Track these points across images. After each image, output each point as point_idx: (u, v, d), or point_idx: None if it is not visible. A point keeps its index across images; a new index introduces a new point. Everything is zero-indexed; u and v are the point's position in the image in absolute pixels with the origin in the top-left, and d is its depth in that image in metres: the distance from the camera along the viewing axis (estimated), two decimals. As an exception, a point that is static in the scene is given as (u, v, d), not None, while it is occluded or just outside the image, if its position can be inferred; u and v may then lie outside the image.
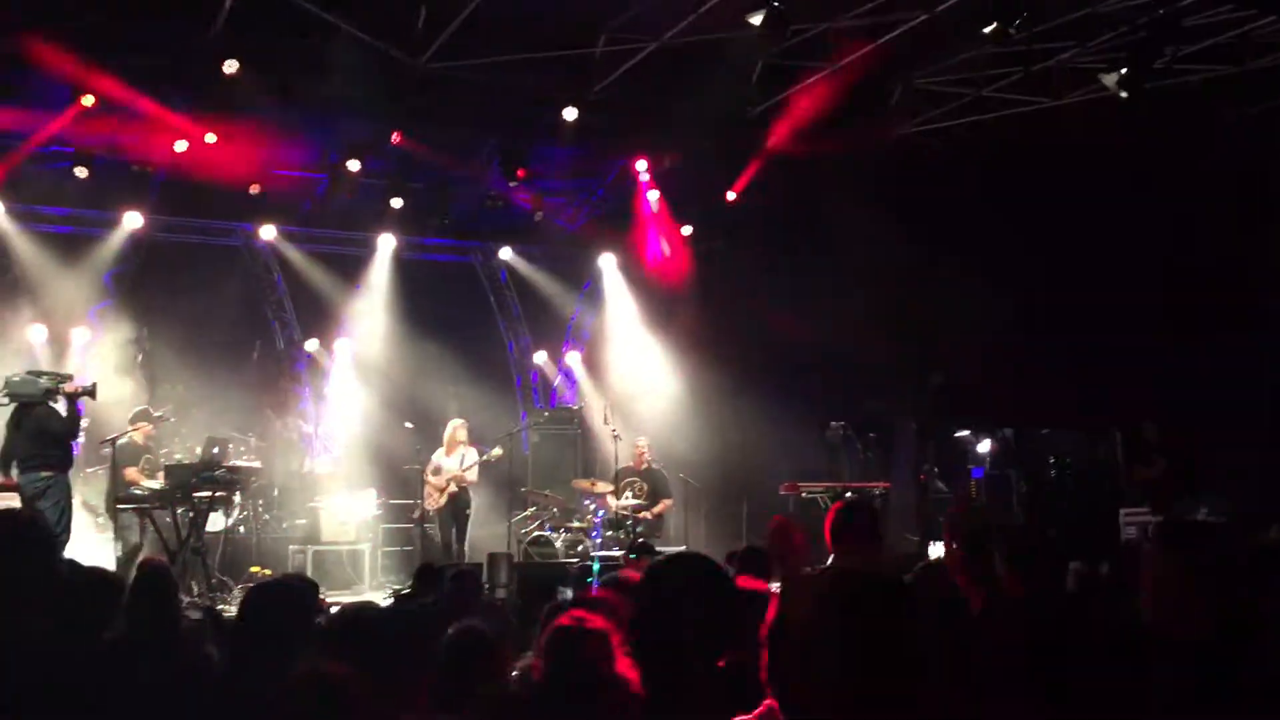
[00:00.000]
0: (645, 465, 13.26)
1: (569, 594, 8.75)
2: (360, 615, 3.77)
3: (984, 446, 14.00)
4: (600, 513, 13.09)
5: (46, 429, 9.93)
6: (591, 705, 2.99)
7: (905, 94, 13.01)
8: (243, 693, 3.73)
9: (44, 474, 9.80)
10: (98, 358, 13.58)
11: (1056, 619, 3.52)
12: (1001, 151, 12.97)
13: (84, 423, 12.30)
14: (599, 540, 12.63)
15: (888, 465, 13.84)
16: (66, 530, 9.87)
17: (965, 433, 14.04)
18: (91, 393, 10.46)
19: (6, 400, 10.02)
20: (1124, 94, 11.05)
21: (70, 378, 10.49)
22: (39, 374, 10.34)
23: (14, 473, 9.92)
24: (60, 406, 10.15)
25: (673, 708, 2.70)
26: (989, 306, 12.31)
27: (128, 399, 12.30)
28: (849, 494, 12.96)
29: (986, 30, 10.20)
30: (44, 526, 3.06)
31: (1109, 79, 11.11)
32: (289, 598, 4.39)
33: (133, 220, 13.93)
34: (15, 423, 9.98)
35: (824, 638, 2.10)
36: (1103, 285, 12.24)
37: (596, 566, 10.61)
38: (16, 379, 10.16)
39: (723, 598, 2.98)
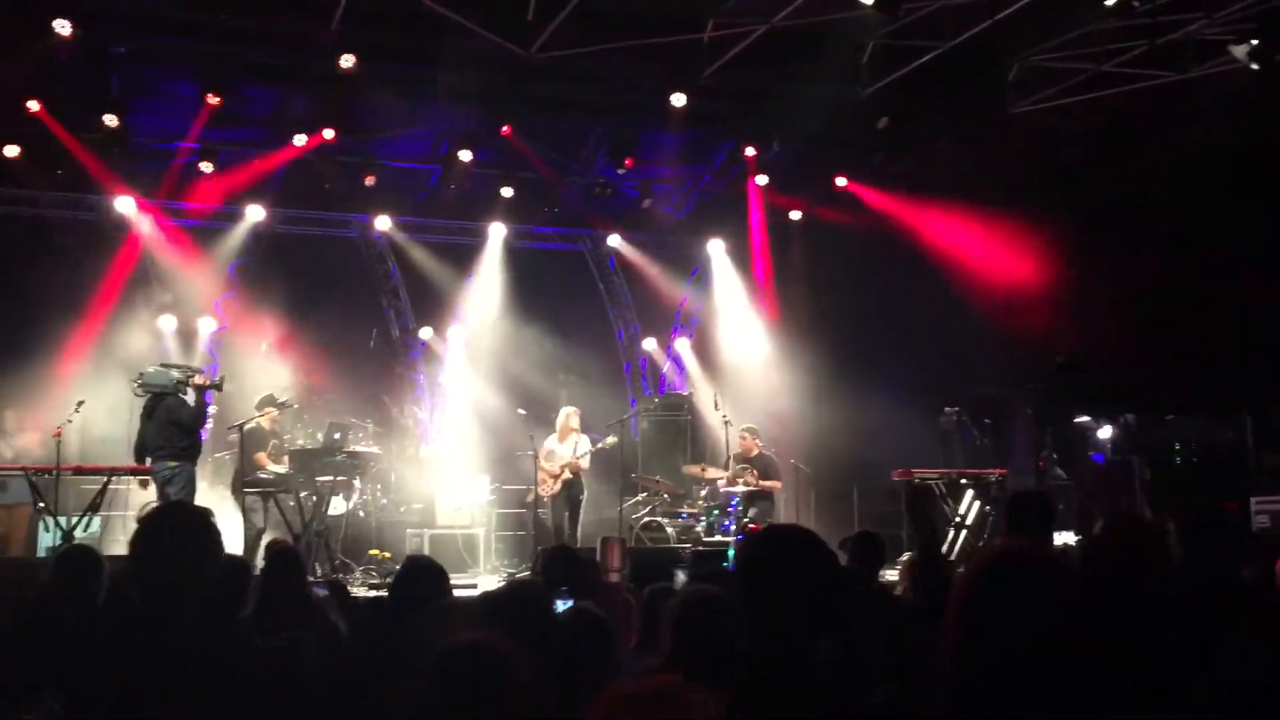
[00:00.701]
0: (755, 451, 13.21)
1: (682, 577, 8.78)
2: (525, 593, 3.81)
3: (1104, 432, 13.60)
4: (711, 498, 13.10)
5: (175, 419, 10.31)
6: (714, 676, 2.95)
7: (1022, 71, 12.68)
8: (373, 661, 3.85)
9: (171, 463, 10.16)
10: (224, 347, 14.06)
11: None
12: (1125, 127, 12.56)
13: (212, 410, 12.81)
14: (710, 525, 12.64)
15: (1003, 452, 13.53)
16: None
17: (1085, 418, 13.66)
18: (218, 386, 10.90)
19: (141, 392, 10.44)
20: (1255, 66, 10.61)
21: (200, 371, 10.90)
22: (171, 366, 10.76)
23: (147, 461, 10.34)
24: (189, 398, 10.54)
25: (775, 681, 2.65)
26: (1111, 287, 11.95)
27: (253, 387, 12.70)
28: (963, 480, 12.77)
29: (1109, 2, 9.89)
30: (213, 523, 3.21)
31: (1239, 51, 10.68)
32: (432, 574, 4.55)
33: (255, 213, 14.39)
34: (148, 413, 10.39)
35: (985, 610, 2.08)
36: (1231, 264, 11.79)
37: (731, 552, 10.67)
38: (150, 371, 10.59)
39: (817, 566, 2.87)
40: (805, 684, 2.68)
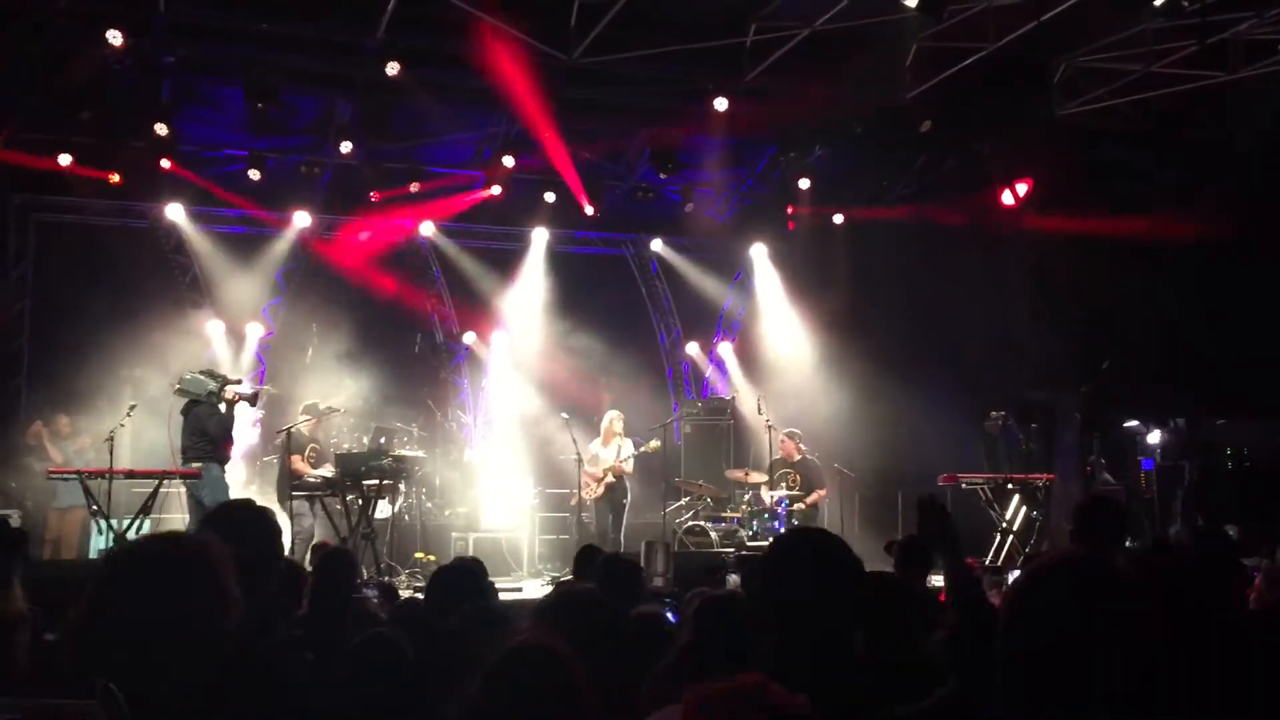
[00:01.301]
0: (799, 456, 13.17)
1: (734, 579, 8.76)
2: (579, 597, 3.81)
3: (1154, 437, 13.44)
4: (755, 503, 13.06)
5: (203, 426, 10.58)
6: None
7: (1068, 72, 12.55)
8: (422, 662, 3.88)
9: (195, 465, 10.46)
10: (272, 352, 14.23)
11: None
12: (1173, 129, 12.39)
13: (258, 415, 12.99)
14: (757, 530, 12.62)
15: (1050, 457, 13.39)
16: None
17: (1134, 423, 13.49)
18: (252, 400, 11.15)
19: (179, 395, 10.69)
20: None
21: (238, 382, 11.14)
22: (212, 375, 10.99)
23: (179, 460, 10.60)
24: (221, 406, 10.74)
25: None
26: (1160, 290, 11.80)
27: (301, 392, 12.85)
28: (1010, 485, 12.65)
29: (1158, 2, 9.77)
30: (274, 520, 3.23)
31: (1290, 50, 10.52)
32: (466, 578, 4.58)
33: (301, 220, 14.55)
34: (184, 414, 10.68)
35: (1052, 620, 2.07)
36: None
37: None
38: (189, 377, 10.84)
39: (840, 568, 2.87)
40: (841, 680, 2.67)
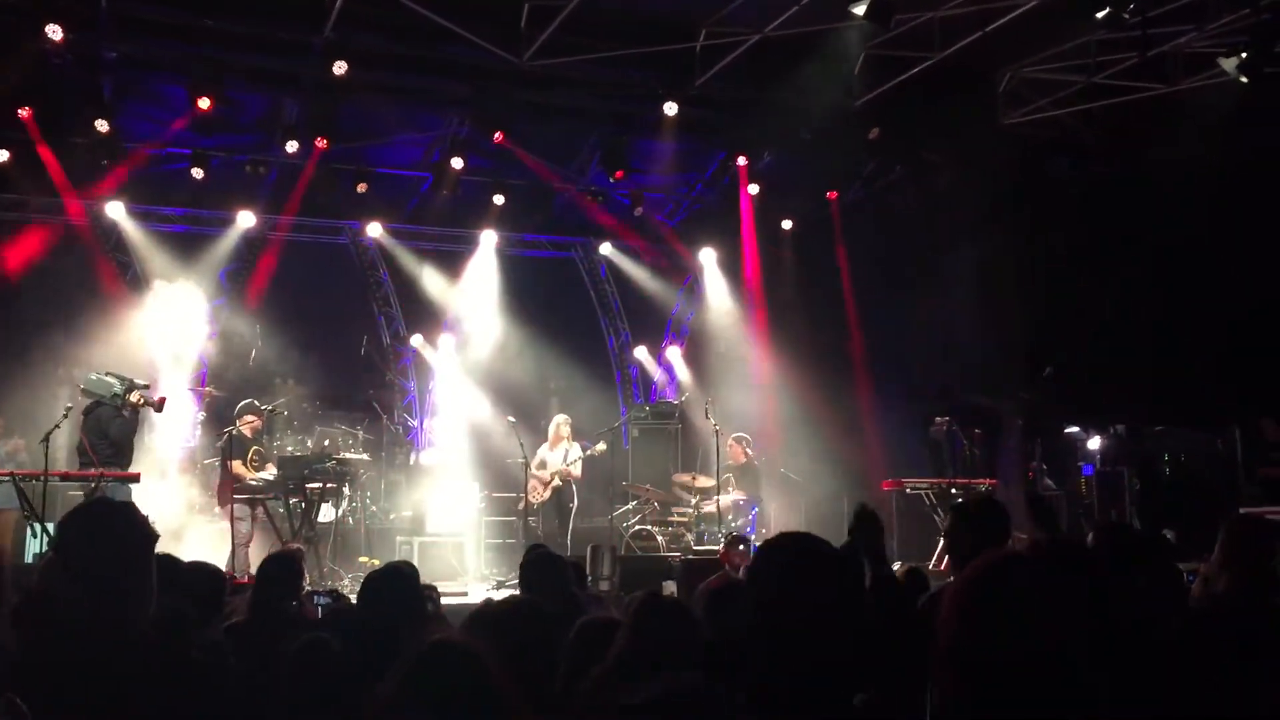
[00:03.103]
0: (744, 460, 13.20)
1: (673, 588, 8.77)
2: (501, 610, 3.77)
3: (1094, 443, 13.62)
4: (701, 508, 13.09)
5: (104, 429, 10.33)
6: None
7: (1013, 82, 12.72)
8: (359, 668, 3.83)
9: (93, 470, 10.17)
10: (212, 352, 14.02)
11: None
12: (1115, 140, 12.60)
13: (199, 417, 12.74)
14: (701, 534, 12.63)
15: (994, 462, 13.55)
16: None
17: (1075, 429, 13.68)
18: (157, 407, 10.83)
19: (82, 395, 10.48)
20: (1244, 79, 10.65)
21: (146, 387, 10.84)
22: (119, 378, 10.69)
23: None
24: (126, 411, 10.52)
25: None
26: (1101, 299, 11.98)
27: (241, 393, 12.66)
28: (953, 490, 12.76)
29: (1100, 15, 9.93)
30: (135, 517, 2.99)
31: (1228, 64, 10.73)
32: (402, 582, 4.53)
33: (245, 219, 14.36)
34: (85, 414, 10.46)
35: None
36: (1220, 277, 11.82)
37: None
38: (94, 377, 10.61)
39: (834, 573, 2.80)
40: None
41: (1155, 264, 12.24)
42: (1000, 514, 4.51)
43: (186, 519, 11.78)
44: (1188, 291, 12.05)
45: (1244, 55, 10.57)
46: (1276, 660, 2.91)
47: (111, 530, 2.83)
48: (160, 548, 2.99)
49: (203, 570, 5.27)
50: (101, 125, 12.09)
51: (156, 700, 2.53)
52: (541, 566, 5.57)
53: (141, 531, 2.84)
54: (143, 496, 10.28)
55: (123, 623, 2.65)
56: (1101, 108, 12.61)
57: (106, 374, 10.73)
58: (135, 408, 10.55)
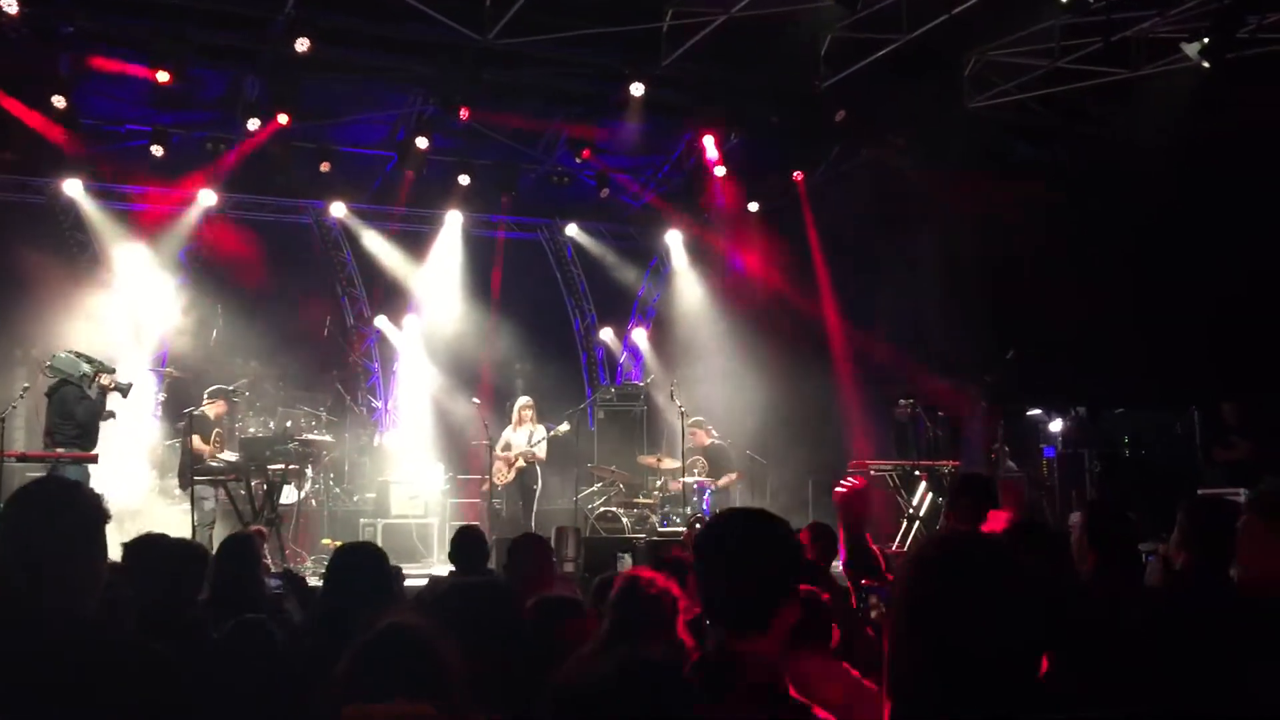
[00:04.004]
0: (708, 442, 13.25)
1: (628, 560, 8.82)
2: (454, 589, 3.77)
3: (1056, 425, 13.76)
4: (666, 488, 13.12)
5: (69, 410, 10.25)
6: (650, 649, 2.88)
7: (979, 66, 12.76)
8: (323, 647, 3.80)
9: (58, 450, 10.13)
10: (173, 333, 13.85)
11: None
12: (1078, 124, 12.68)
13: (160, 398, 12.60)
14: (665, 514, 12.66)
15: (957, 443, 13.66)
16: None
17: (1037, 411, 13.80)
18: (124, 391, 10.75)
19: (49, 374, 10.35)
20: (1206, 64, 10.74)
21: (113, 371, 10.76)
22: (87, 359, 10.61)
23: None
24: (92, 392, 10.41)
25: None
26: (1064, 281, 12.07)
27: (203, 374, 12.53)
28: (918, 472, 12.85)
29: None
30: (84, 496, 2.87)
31: (1190, 49, 10.79)
32: (371, 560, 4.52)
33: (207, 198, 14.17)
34: (49, 395, 10.38)
35: (931, 598, 2.05)
36: (1181, 261, 11.94)
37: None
38: (62, 355, 10.53)
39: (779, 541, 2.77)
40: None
41: (1117, 247, 12.35)
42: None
43: (147, 500, 11.67)
44: (1149, 275, 12.17)
45: (1205, 40, 10.65)
46: (1232, 634, 2.95)
47: (56, 510, 2.69)
48: (120, 530, 2.92)
49: (187, 548, 5.20)
50: (59, 101, 11.88)
51: (98, 696, 2.44)
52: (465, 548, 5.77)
53: (90, 511, 2.71)
54: (101, 478, 10.16)
55: (67, 611, 2.57)
56: (1065, 91, 12.68)
57: (76, 354, 10.61)
58: (105, 390, 10.44)
